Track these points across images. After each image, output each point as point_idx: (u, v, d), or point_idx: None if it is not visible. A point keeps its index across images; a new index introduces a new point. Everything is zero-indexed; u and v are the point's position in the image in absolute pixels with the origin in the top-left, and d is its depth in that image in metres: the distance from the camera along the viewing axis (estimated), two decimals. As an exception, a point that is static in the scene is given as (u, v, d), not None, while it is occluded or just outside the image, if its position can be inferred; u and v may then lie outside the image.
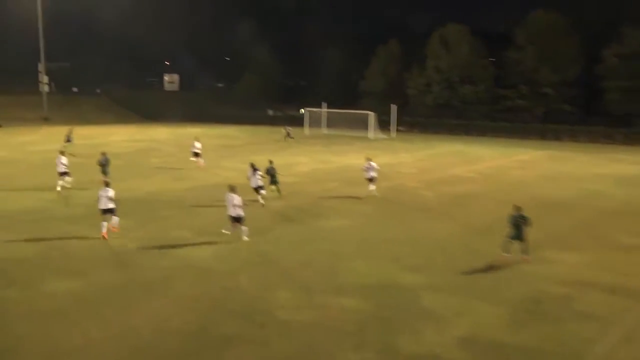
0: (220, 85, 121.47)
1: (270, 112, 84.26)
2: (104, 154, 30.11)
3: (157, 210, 23.08)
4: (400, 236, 19.70)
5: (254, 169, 24.42)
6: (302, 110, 67.63)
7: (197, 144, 36.83)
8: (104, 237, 18.49)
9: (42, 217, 21.45)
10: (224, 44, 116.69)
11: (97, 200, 18.96)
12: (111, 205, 18.75)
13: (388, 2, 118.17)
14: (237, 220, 18.33)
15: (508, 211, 17.63)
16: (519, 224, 16.78)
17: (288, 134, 54.10)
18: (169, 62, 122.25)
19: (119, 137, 55.51)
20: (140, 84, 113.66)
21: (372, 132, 60.94)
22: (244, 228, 18.49)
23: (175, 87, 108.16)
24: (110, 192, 18.85)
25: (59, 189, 26.68)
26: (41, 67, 78.41)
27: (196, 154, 36.52)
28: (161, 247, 17.76)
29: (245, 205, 18.87)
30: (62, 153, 28.37)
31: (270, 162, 26.79)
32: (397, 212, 23.49)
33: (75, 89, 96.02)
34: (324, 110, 67.36)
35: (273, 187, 25.77)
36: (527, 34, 68.27)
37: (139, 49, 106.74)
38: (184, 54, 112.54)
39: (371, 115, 61.68)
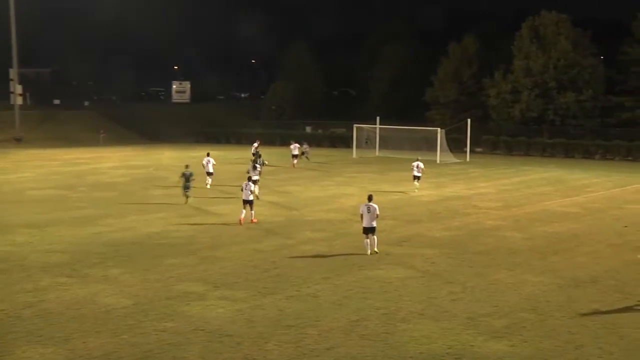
0: (244, 95, 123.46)
1: (308, 130, 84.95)
2: (187, 166, 35.33)
3: (160, 256, 23.37)
4: (477, 291, 19.47)
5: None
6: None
7: (211, 160, 41.06)
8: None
9: (10, 267, 21.88)
10: (247, 43, 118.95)
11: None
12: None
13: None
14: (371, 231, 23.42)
15: (624, 257, 17.28)
16: None
17: (303, 154, 55.72)
18: (178, 67, 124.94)
19: (112, 163, 56.72)
20: (141, 94, 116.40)
21: (441, 155, 60.76)
22: (375, 238, 23.52)
23: (186, 97, 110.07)
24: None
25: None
26: (13, 73, 79.18)
27: (209, 173, 40.67)
28: (165, 305, 17.93)
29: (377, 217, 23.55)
30: None
31: (187, 166, 34.76)
32: (474, 260, 23.25)
33: (56, 101, 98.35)
34: (379, 126, 67.58)
35: (187, 192, 32.65)
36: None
37: (139, 51, 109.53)
38: (196, 57, 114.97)
39: (440, 133, 61.56)
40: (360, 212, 23.85)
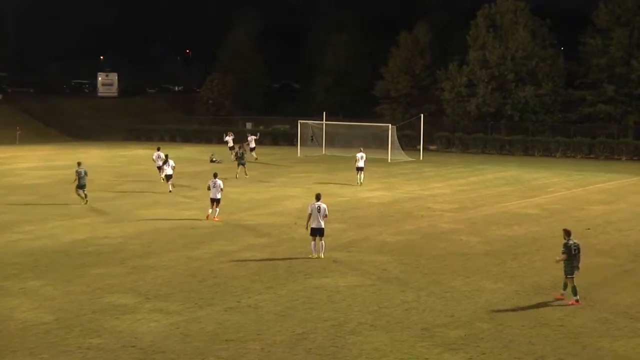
0: (177, 88, 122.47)
1: (249, 126, 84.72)
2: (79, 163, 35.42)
3: (84, 266, 23.04)
4: (432, 300, 19.66)
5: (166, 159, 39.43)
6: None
7: (170, 162, 40.18)
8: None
9: None
10: (181, 31, 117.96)
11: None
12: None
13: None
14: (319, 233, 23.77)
15: (587, 262, 17.63)
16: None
17: (236, 154, 51.62)
18: (104, 57, 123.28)
19: (31, 163, 55.71)
20: (62, 87, 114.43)
21: (392, 153, 61.16)
22: (323, 243, 23.91)
23: (113, 91, 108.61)
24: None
25: None
26: None
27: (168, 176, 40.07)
28: (91, 320, 17.68)
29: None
30: None
31: (79, 164, 35.48)
32: (428, 266, 23.47)
33: None
34: (325, 122, 67.72)
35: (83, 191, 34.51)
36: (614, 11, 68.74)
37: (60, 38, 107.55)
38: (124, 46, 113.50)
39: (391, 129, 61.96)
40: (309, 212, 23.95)
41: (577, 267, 19.49)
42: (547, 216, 33.25)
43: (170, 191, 38.98)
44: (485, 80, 72.07)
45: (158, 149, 44.90)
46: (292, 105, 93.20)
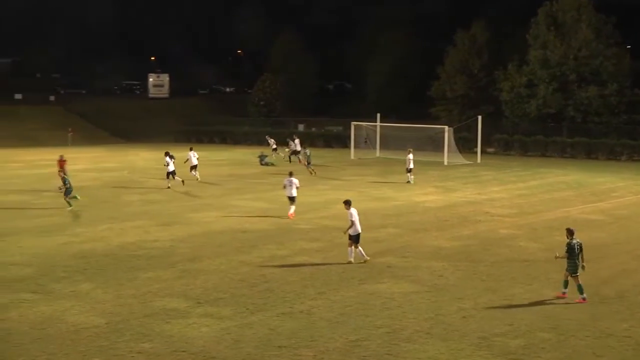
0: (229, 90, 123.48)
1: (301, 128, 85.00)
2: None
3: (134, 269, 23.33)
4: (490, 308, 19.47)
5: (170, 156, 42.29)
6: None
7: (194, 155, 45.92)
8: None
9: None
10: (232, 31, 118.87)
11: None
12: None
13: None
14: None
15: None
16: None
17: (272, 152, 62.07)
18: (155, 59, 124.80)
19: (82, 165, 56.58)
20: (114, 89, 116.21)
21: (449, 155, 60.83)
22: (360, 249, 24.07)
23: (164, 92, 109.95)
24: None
25: None
26: None
27: (194, 167, 45.67)
28: (141, 324, 17.88)
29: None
30: None
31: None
32: (486, 273, 23.26)
33: (18, 96, 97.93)
34: (379, 124, 67.63)
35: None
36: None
37: (112, 40, 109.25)
38: (176, 47, 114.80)
39: (447, 132, 61.62)
40: (352, 219, 24.22)
41: (583, 266, 20.18)
42: (611, 222, 32.74)
43: (197, 179, 44.95)
44: (546, 80, 71.35)
45: (191, 149, 47.53)
46: (344, 107, 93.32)
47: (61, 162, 42.51)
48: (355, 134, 67.51)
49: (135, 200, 38.51)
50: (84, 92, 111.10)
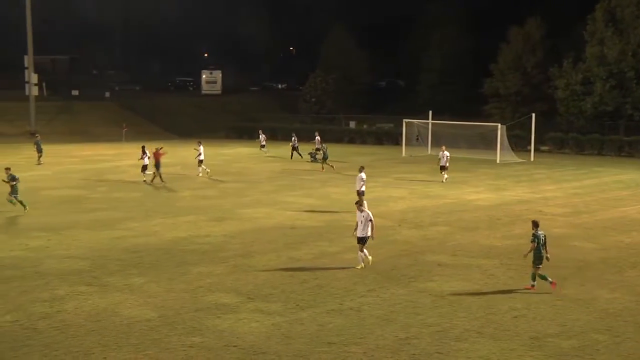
0: (280, 86, 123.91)
1: (352, 125, 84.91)
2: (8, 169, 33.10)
3: (186, 264, 23.62)
4: (542, 308, 19.30)
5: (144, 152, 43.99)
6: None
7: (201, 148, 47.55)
8: None
9: (25, 274, 22.26)
10: (284, 28, 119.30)
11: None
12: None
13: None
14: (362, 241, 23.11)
15: None
16: None
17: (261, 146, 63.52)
18: (208, 55, 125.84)
19: (134, 160, 57.17)
20: (167, 85, 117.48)
21: (502, 153, 60.31)
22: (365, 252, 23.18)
23: (217, 88, 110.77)
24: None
25: None
26: (28, 60, 79.76)
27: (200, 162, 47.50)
28: (193, 318, 18.11)
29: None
30: None
31: (8, 169, 33.31)
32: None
33: (75, 92, 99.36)
34: (431, 122, 67.34)
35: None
36: None
37: (166, 37, 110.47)
38: (228, 44, 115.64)
39: (500, 129, 61.13)
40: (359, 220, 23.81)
41: (547, 258, 20.89)
42: (668, 223, 32.17)
43: (202, 174, 46.94)
44: (603, 77, 70.19)
45: (199, 143, 48.83)
46: (396, 104, 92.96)
47: (157, 154, 43.65)
48: (406, 131, 67.23)
49: (187, 195, 38.90)
50: (138, 88, 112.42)
